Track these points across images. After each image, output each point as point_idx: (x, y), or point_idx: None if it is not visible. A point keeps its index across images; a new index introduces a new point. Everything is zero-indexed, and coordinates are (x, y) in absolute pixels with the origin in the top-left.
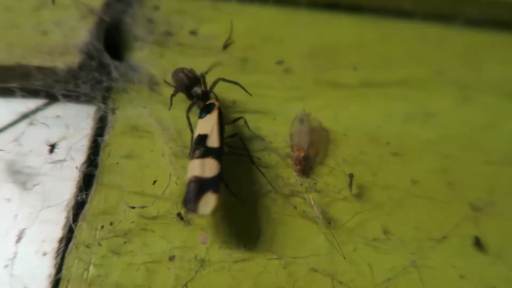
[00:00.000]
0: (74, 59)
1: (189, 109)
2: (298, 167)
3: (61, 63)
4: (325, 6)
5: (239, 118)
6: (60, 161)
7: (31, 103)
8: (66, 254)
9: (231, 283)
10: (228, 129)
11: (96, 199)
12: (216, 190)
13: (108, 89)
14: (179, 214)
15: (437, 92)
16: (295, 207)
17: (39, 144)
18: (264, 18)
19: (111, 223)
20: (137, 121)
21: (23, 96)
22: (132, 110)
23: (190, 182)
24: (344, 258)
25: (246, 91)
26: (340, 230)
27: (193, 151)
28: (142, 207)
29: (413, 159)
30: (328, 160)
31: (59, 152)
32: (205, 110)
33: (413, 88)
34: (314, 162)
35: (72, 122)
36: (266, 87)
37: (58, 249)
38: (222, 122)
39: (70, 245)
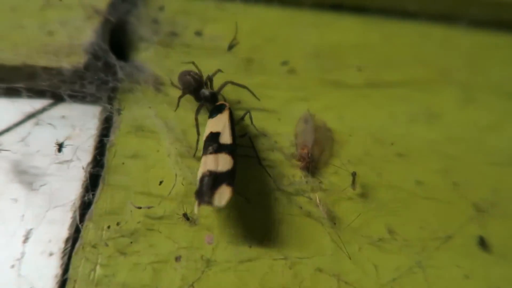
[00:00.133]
0: (79, 60)
1: (197, 111)
2: (302, 164)
3: (67, 64)
4: (330, 6)
5: (246, 113)
6: (67, 161)
7: (37, 103)
8: (73, 254)
9: (237, 283)
10: (236, 129)
11: (102, 199)
12: (231, 183)
13: (114, 90)
14: (185, 215)
15: (441, 93)
16: (301, 207)
17: (45, 144)
18: (268, 18)
19: (117, 223)
20: (143, 122)
21: (29, 96)
22: (138, 110)
23: (204, 176)
24: (350, 258)
25: (255, 96)
26: (345, 230)
27: (205, 147)
28: (148, 207)
29: (418, 160)
30: (333, 160)
31: (65, 153)
32: (216, 110)
33: (417, 89)
34: (319, 162)
35: (78, 122)
36: (271, 87)
37: (65, 250)
38: (233, 122)
39: (77, 245)
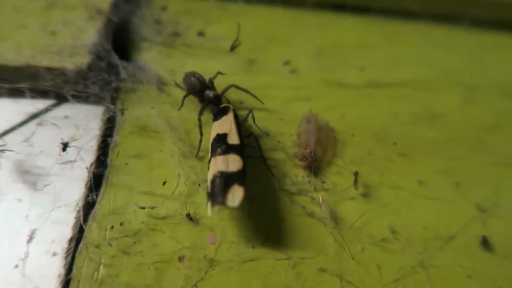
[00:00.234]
0: (83, 60)
1: (201, 112)
2: (304, 163)
3: (70, 64)
4: (332, 7)
5: (248, 112)
6: (70, 161)
7: (40, 104)
8: (77, 254)
9: (240, 283)
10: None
11: (106, 200)
12: (242, 183)
13: (117, 90)
14: (188, 215)
15: (443, 93)
16: (303, 207)
17: (49, 144)
18: (270, 19)
19: (121, 224)
20: (146, 122)
21: (32, 97)
22: (141, 110)
23: (215, 177)
24: (353, 258)
25: (258, 100)
26: (347, 230)
27: (213, 149)
28: (152, 208)
29: (420, 160)
30: (335, 160)
31: (69, 153)
32: (221, 112)
33: (419, 89)
34: (322, 162)
35: (81, 122)
36: (273, 87)
37: (68, 249)
38: (239, 123)
39: (80, 245)
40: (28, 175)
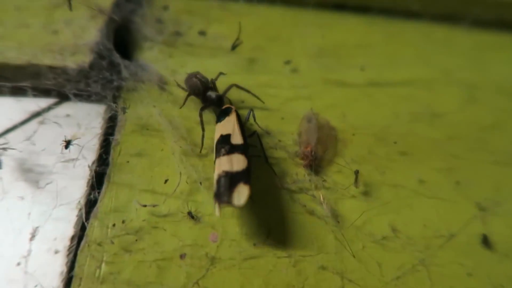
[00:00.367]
0: (84, 59)
1: (202, 108)
2: (305, 162)
3: (72, 63)
4: (332, 6)
5: (249, 112)
6: (72, 160)
7: (42, 102)
8: (79, 252)
9: (241, 281)
10: None
11: (108, 198)
12: (247, 182)
13: (119, 88)
14: (189, 213)
15: (443, 92)
16: (305, 206)
17: (51, 143)
18: (271, 18)
19: (122, 221)
20: (148, 120)
21: (35, 95)
22: (143, 109)
23: (220, 177)
24: (354, 256)
25: (259, 99)
26: (348, 228)
27: (217, 150)
28: (153, 206)
29: (421, 159)
30: (336, 158)
31: (71, 151)
32: (223, 114)
33: (420, 88)
34: (323, 160)
35: (83, 121)
36: (274, 86)
37: (70, 247)
38: (241, 123)
39: (82, 243)
40: (31, 173)
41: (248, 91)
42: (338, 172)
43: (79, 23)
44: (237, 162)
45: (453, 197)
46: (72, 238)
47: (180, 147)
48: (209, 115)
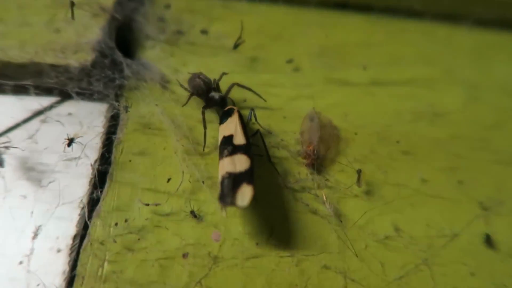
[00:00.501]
0: (87, 57)
1: (205, 107)
2: (308, 161)
3: (74, 61)
4: (335, 5)
5: (250, 112)
6: (75, 158)
7: (44, 101)
8: (81, 250)
9: (244, 280)
10: None
11: (110, 196)
12: (250, 182)
13: (121, 87)
14: (192, 212)
15: (446, 92)
16: (307, 205)
17: (53, 141)
18: (274, 17)
19: (125, 220)
20: (150, 119)
21: (37, 94)
22: (145, 107)
23: (223, 178)
24: (356, 256)
25: (260, 97)
26: (351, 227)
27: (220, 152)
28: (156, 205)
29: (423, 158)
30: (339, 158)
31: (73, 150)
32: (225, 115)
33: (422, 87)
34: (325, 159)
35: (86, 119)
36: (276, 85)
37: (73, 246)
38: (244, 123)
39: (85, 242)
40: (33, 172)
41: (249, 89)
42: (340, 171)
43: (81, 21)
44: (240, 163)
45: (455, 197)
46: (75, 237)
47: (183, 145)
48: (211, 114)
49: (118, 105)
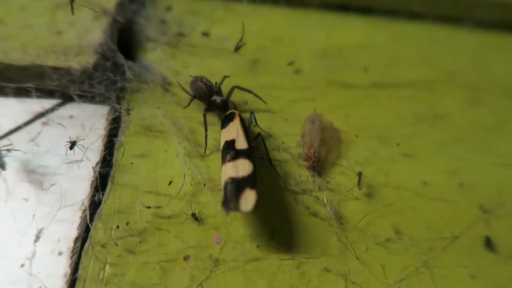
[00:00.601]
0: (88, 59)
1: (206, 109)
2: (309, 163)
3: (75, 63)
4: (336, 7)
5: (250, 115)
6: (77, 161)
7: (46, 103)
8: (83, 253)
9: (245, 283)
10: None
11: (111, 199)
12: (254, 186)
13: (122, 89)
14: (193, 215)
15: (447, 94)
16: (308, 207)
17: (55, 144)
18: (275, 19)
19: (126, 223)
20: (151, 121)
21: (38, 96)
22: (146, 110)
23: (226, 184)
24: (357, 258)
25: (261, 99)
26: (352, 230)
27: (223, 157)
28: (157, 207)
29: (424, 160)
30: (340, 160)
31: (75, 152)
32: (227, 119)
33: (423, 90)
34: (326, 162)
35: (87, 122)
36: (277, 88)
37: (74, 249)
38: (245, 127)
39: (86, 244)
40: (35, 175)
41: (250, 92)
42: (341, 173)
43: (83, 23)
44: (243, 167)
45: (456, 199)
46: (76, 240)
47: (184, 148)
48: (213, 116)
49: (120, 108)
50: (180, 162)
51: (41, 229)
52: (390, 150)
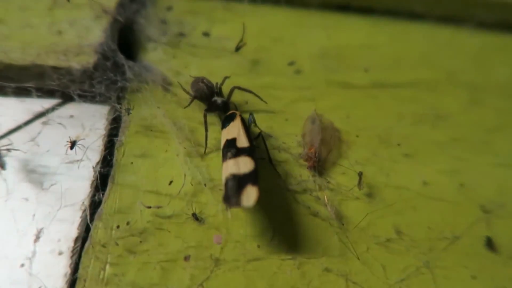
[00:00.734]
0: (89, 59)
1: (207, 110)
2: (309, 163)
3: (76, 63)
4: (337, 7)
5: (250, 115)
6: (77, 161)
7: (46, 103)
8: (83, 253)
9: (245, 283)
10: None
11: (112, 199)
12: (255, 183)
13: (123, 89)
14: (194, 214)
15: (447, 94)
16: (309, 207)
17: (55, 144)
18: (275, 19)
19: (127, 223)
20: (152, 121)
21: (39, 96)
22: (147, 110)
23: (227, 180)
24: (358, 258)
25: (261, 99)
26: (353, 230)
27: (224, 155)
28: (158, 207)
29: (424, 161)
30: (340, 160)
31: (75, 152)
32: (227, 119)
33: (423, 90)
34: (327, 162)
35: (87, 122)
36: (278, 88)
37: (74, 249)
38: (246, 126)
39: (86, 244)
40: (35, 174)
41: (250, 92)
42: (342, 173)
43: (83, 23)
44: (244, 164)
45: (457, 199)
46: (76, 240)
47: (185, 148)
48: (213, 116)
49: (120, 107)
50: (180, 162)
51: (41, 229)
52: (391, 150)
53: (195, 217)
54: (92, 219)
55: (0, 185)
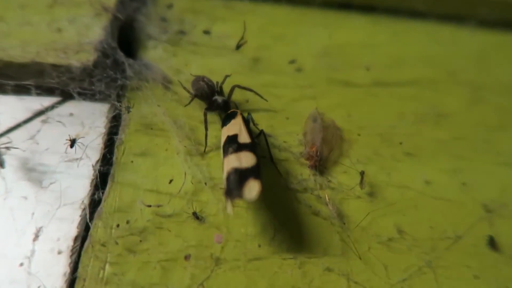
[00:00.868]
0: (88, 57)
1: (207, 108)
2: (310, 162)
3: (75, 61)
4: (338, 5)
5: (248, 115)
6: (76, 159)
7: (45, 101)
8: (82, 252)
9: (246, 282)
10: None
11: (111, 198)
12: (257, 177)
13: (123, 87)
14: (194, 213)
15: (449, 93)
16: (310, 206)
17: (54, 142)
18: (276, 17)
19: (127, 222)
20: (152, 119)
21: (38, 94)
22: (147, 108)
23: (229, 174)
24: (360, 258)
25: (262, 97)
26: (354, 229)
27: (225, 150)
28: (158, 206)
29: (426, 160)
30: (342, 159)
31: (75, 150)
32: (228, 118)
33: (425, 89)
34: (328, 161)
35: (87, 120)
36: (279, 86)
37: (74, 248)
38: (248, 124)
39: (86, 243)
40: (34, 173)
41: (250, 90)
42: (343, 172)
43: (83, 21)
44: (246, 159)
45: (459, 199)
46: (76, 239)
47: (185, 146)
48: (213, 114)
49: (120, 106)
50: (180, 160)
51: (40, 227)
52: (393, 149)
53: (196, 216)
54: (91, 218)
55: None
